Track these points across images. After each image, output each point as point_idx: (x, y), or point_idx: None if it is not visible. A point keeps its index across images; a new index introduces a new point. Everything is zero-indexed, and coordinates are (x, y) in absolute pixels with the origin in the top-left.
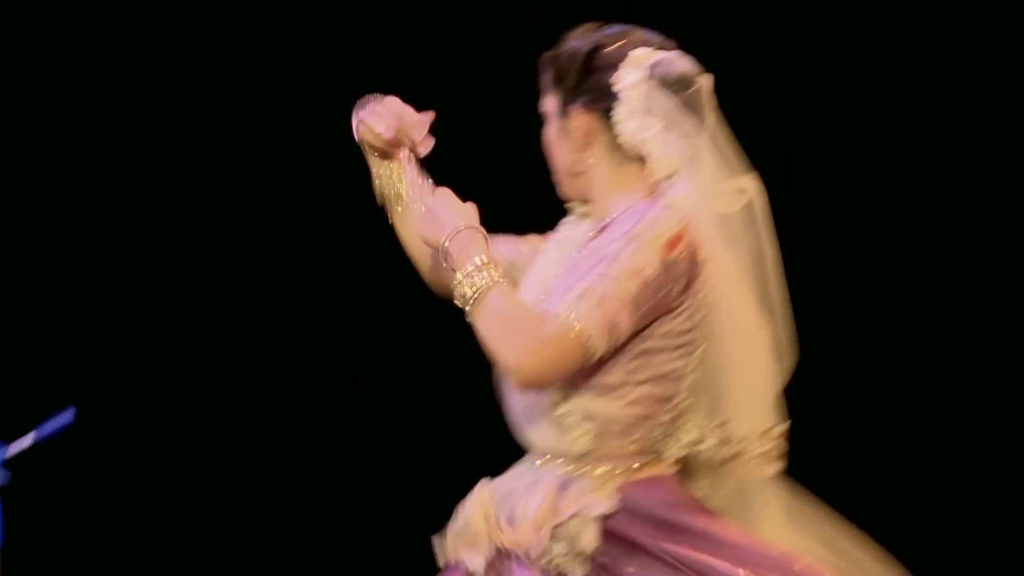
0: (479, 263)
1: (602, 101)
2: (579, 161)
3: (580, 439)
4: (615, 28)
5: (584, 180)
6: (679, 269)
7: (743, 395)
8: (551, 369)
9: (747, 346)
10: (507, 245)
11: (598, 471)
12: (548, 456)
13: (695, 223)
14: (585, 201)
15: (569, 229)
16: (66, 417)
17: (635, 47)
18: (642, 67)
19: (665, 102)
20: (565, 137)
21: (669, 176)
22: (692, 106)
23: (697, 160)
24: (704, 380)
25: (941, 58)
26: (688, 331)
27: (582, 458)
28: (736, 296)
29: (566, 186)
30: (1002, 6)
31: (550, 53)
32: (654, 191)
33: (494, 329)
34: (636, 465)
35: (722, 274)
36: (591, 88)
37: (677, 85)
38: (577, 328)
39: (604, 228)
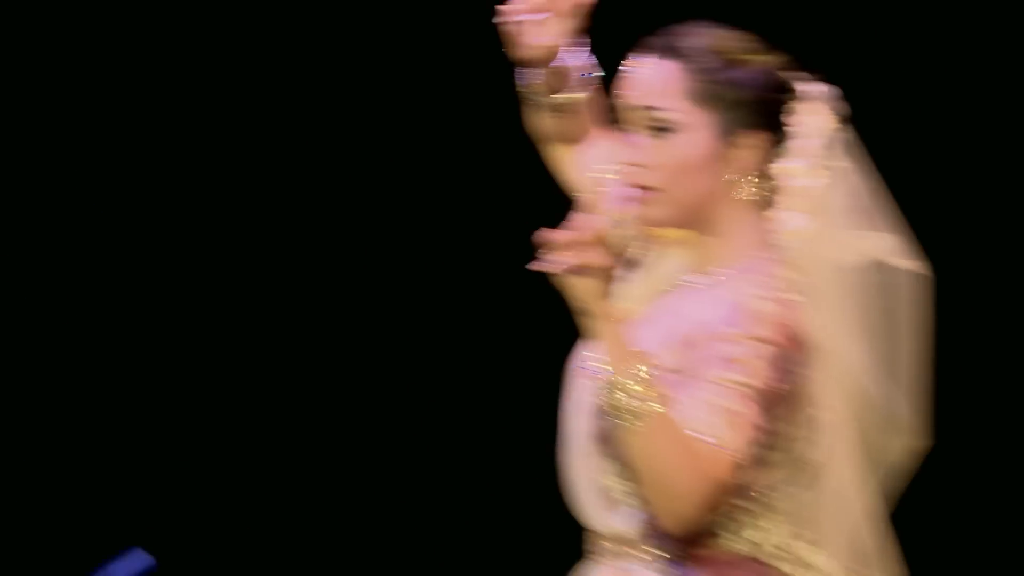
0: (646, 376)
1: (773, 131)
2: (720, 192)
3: (644, 522)
4: (750, 38)
5: (705, 213)
6: (798, 357)
7: (834, 516)
8: (710, 504)
9: (847, 459)
10: None
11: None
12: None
13: (811, 294)
14: (677, 233)
15: (658, 261)
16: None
17: (798, 71)
18: (820, 101)
19: (830, 144)
20: (717, 161)
21: (799, 225)
22: (843, 149)
23: (833, 207)
24: (796, 481)
25: None
26: (794, 426)
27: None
28: (844, 383)
29: (673, 214)
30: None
31: (688, 56)
32: (770, 240)
33: (657, 457)
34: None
35: (833, 356)
36: (767, 114)
37: (841, 126)
38: (735, 462)
39: (708, 279)
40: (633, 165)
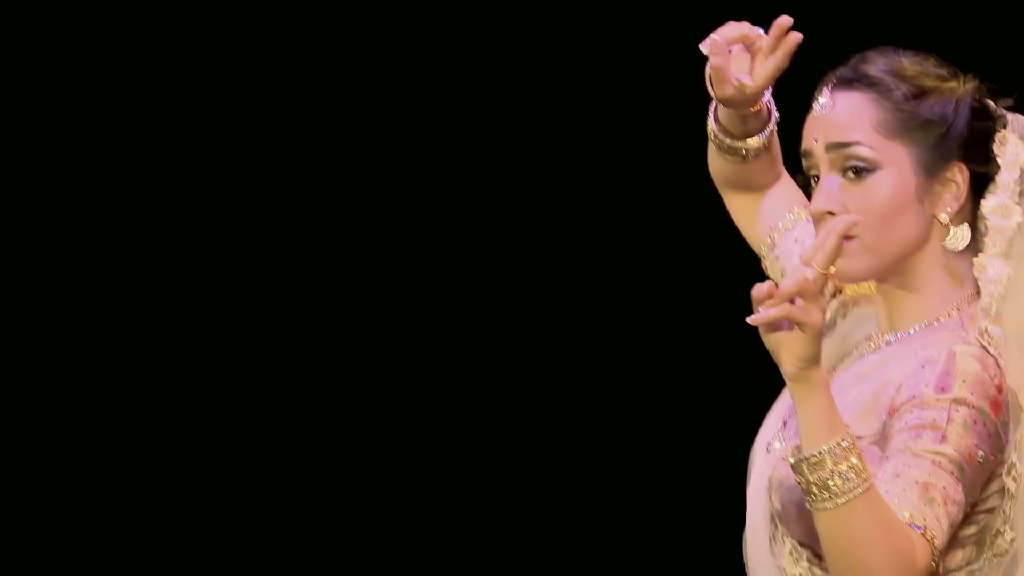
0: (854, 451)
1: (976, 164)
2: (923, 236)
3: None
4: (939, 62)
5: (905, 263)
6: (1001, 421)
7: None
8: None
9: None
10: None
11: None
12: None
13: (1010, 348)
14: (866, 288)
15: (845, 320)
16: None
17: (994, 96)
18: (1021, 129)
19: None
20: (921, 201)
21: (1000, 271)
22: None
23: None
24: (984, 560)
25: None
26: (988, 496)
27: None
28: None
29: (875, 264)
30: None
31: (878, 85)
32: (970, 290)
33: (858, 542)
34: None
35: None
36: (968, 144)
37: None
38: (936, 543)
39: (899, 337)
40: (826, 214)
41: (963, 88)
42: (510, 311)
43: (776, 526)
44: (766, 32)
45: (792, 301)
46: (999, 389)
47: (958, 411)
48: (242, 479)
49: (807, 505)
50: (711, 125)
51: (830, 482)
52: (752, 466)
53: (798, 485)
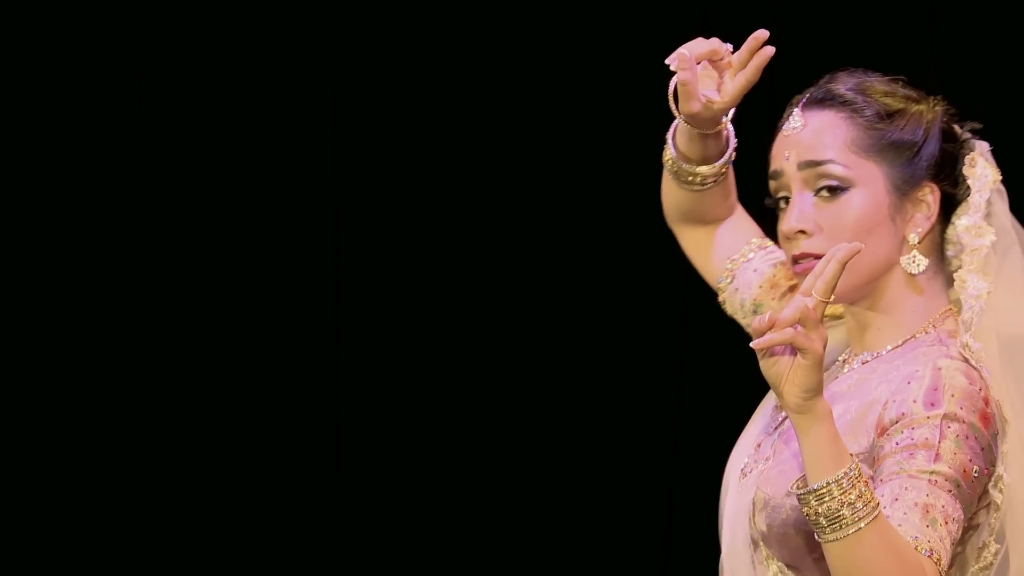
0: (861, 479)
1: (946, 184)
2: (895, 256)
3: None
4: (906, 84)
5: (877, 283)
6: (995, 444)
7: None
8: None
9: None
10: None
11: None
12: None
13: (991, 363)
14: (836, 309)
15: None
16: None
17: (959, 119)
18: (985, 153)
19: (995, 199)
20: (893, 221)
21: (978, 287)
22: (1005, 204)
23: (1002, 268)
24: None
25: None
26: (976, 512)
27: None
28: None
29: (848, 284)
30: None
31: (851, 104)
32: (945, 308)
33: (869, 570)
34: None
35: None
36: (938, 165)
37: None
38: (942, 564)
39: (873, 357)
40: (798, 233)
41: (932, 110)
42: (509, 311)
43: (758, 550)
44: (735, 49)
45: (799, 327)
46: (986, 402)
47: (949, 427)
48: (242, 479)
49: (816, 537)
50: (668, 153)
51: (839, 513)
52: (726, 492)
53: (785, 506)
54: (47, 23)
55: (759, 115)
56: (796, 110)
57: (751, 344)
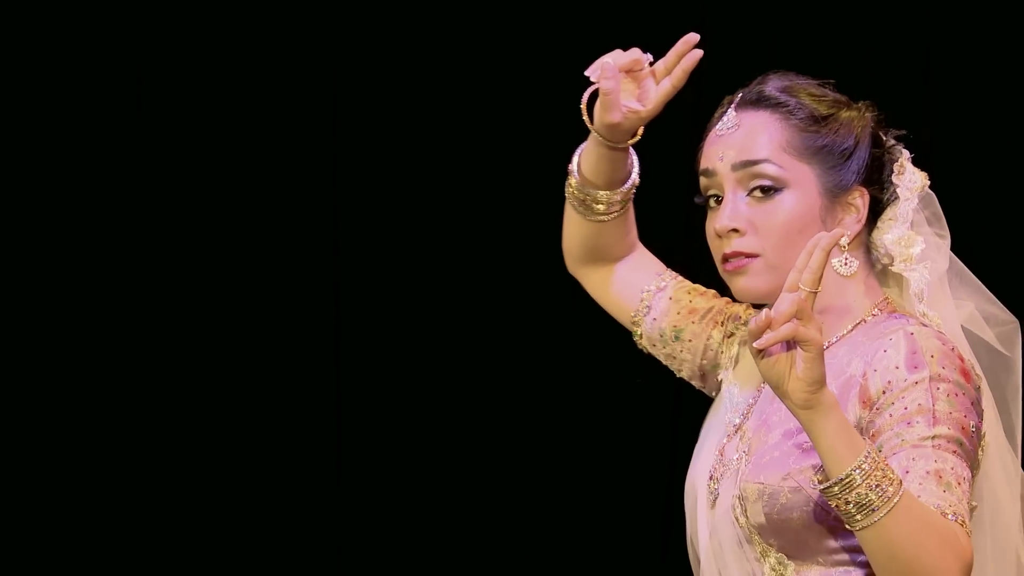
0: (881, 461)
1: (876, 187)
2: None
3: None
4: (835, 88)
5: None
6: (979, 397)
7: (1000, 563)
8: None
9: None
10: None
11: None
12: None
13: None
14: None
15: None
16: None
17: (887, 124)
18: (909, 158)
19: (924, 203)
20: (824, 222)
21: (920, 281)
22: (934, 209)
23: (941, 281)
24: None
25: None
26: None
27: None
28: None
29: (779, 282)
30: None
31: (785, 106)
32: (880, 304)
33: (909, 547)
34: None
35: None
36: (869, 168)
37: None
38: (967, 526)
39: (827, 348)
40: (731, 231)
41: (863, 116)
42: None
43: (752, 545)
44: (655, 60)
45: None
46: (961, 359)
47: (939, 387)
48: (242, 479)
49: (848, 526)
50: (572, 180)
51: (868, 497)
52: (694, 503)
53: (784, 490)
54: (47, 23)
55: (682, 115)
56: (729, 110)
57: (753, 345)
